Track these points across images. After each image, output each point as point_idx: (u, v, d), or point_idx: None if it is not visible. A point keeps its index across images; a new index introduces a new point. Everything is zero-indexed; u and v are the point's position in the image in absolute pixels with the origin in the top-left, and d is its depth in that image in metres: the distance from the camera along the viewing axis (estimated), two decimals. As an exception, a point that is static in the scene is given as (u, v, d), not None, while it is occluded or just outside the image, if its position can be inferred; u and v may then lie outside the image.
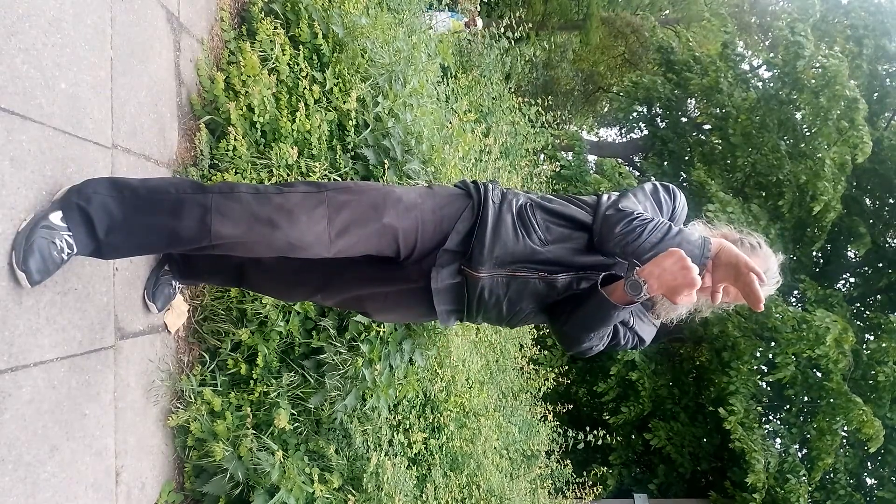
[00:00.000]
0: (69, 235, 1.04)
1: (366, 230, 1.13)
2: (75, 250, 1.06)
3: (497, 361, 3.57)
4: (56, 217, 1.03)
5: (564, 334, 1.22)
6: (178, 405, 1.57)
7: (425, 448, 2.38)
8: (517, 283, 1.18)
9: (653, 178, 1.35)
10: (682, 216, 1.27)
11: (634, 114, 8.14)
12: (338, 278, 1.29)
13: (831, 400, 4.99)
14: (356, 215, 1.13)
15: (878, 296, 6.60)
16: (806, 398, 5.74)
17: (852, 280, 7.04)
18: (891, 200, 6.49)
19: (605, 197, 1.21)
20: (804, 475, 5.14)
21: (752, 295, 1.02)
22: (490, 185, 1.24)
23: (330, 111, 2.01)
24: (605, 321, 1.13)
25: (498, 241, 1.16)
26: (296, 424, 1.78)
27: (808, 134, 6.12)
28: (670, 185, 1.26)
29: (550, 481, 3.84)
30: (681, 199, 1.26)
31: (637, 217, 1.11)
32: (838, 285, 6.79)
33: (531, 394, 4.13)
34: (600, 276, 1.12)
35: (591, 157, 8.55)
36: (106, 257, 1.15)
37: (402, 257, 1.19)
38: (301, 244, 1.10)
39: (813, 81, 5.57)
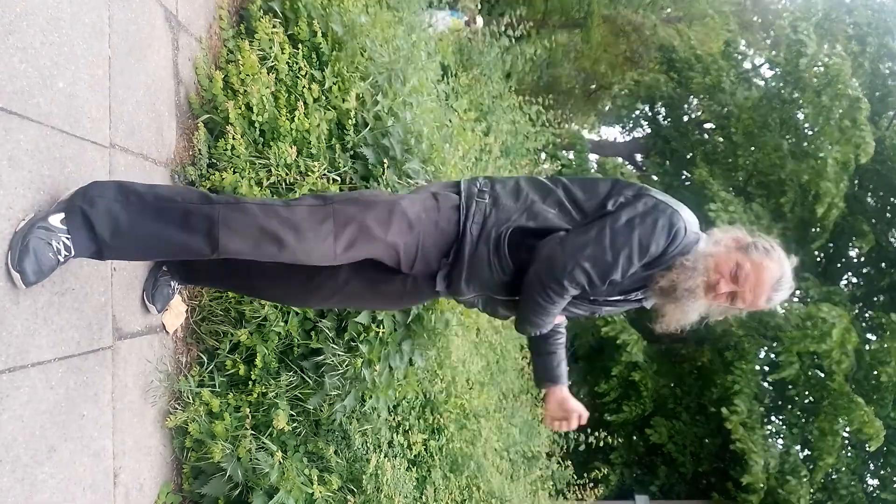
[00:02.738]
0: (67, 238, 1.04)
1: (370, 245, 1.17)
2: (73, 253, 1.06)
3: (497, 362, 3.56)
4: (56, 219, 1.03)
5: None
6: (177, 406, 1.56)
7: (425, 449, 2.37)
8: (493, 300, 1.32)
9: (665, 212, 1.14)
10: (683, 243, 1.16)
11: (636, 112, 8.11)
12: (342, 285, 1.36)
13: (833, 400, 4.98)
14: (362, 231, 1.15)
15: (881, 296, 6.58)
16: (808, 399, 5.72)
17: (854, 280, 7.01)
18: (893, 200, 6.46)
19: (610, 203, 1.16)
20: (805, 476, 5.12)
21: None
22: (475, 204, 1.21)
23: (329, 110, 2.00)
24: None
25: (473, 278, 1.23)
26: (295, 425, 1.77)
27: (810, 133, 6.09)
28: (673, 224, 1.13)
29: (551, 483, 3.83)
30: (679, 237, 1.14)
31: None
32: (841, 284, 6.76)
33: (532, 395, 4.11)
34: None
35: (593, 156, 8.53)
36: (105, 259, 1.15)
37: (404, 268, 1.24)
38: (308, 260, 1.15)
39: (815, 80, 5.55)
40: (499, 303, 1.32)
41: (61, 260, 1.05)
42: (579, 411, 1.37)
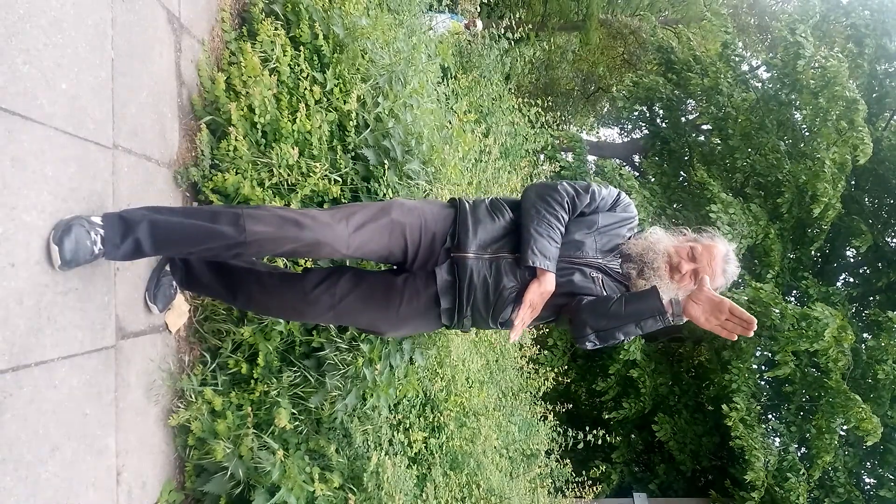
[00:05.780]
0: (102, 231, 1.14)
1: (377, 224, 1.32)
2: (106, 248, 1.15)
3: (497, 361, 3.58)
4: (96, 218, 1.16)
5: (584, 324, 1.37)
6: (179, 405, 1.57)
7: (425, 447, 2.38)
8: (497, 263, 1.38)
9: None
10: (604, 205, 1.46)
11: (635, 114, 8.12)
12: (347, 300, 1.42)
13: (830, 398, 5.00)
14: (369, 215, 1.33)
15: (878, 296, 6.60)
16: (805, 397, 5.74)
17: (851, 280, 7.04)
18: (890, 200, 6.49)
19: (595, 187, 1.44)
20: (803, 473, 5.14)
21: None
22: (463, 197, 1.50)
23: (330, 112, 2.01)
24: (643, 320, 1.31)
25: (479, 224, 1.38)
26: (296, 424, 1.78)
27: (807, 134, 6.12)
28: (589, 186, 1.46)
29: (550, 480, 3.84)
30: (624, 196, 1.47)
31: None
32: (838, 285, 6.79)
33: (531, 393, 4.13)
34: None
35: (591, 158, 8.54)
36: (130, 258, 1.22)
37: (410, 253, 1.36)
38: (325, 240, 1.26)
39: (812, 82, 5.56)
40: (504, 266, 1.35)
41: (96, 252, 1.13)
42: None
